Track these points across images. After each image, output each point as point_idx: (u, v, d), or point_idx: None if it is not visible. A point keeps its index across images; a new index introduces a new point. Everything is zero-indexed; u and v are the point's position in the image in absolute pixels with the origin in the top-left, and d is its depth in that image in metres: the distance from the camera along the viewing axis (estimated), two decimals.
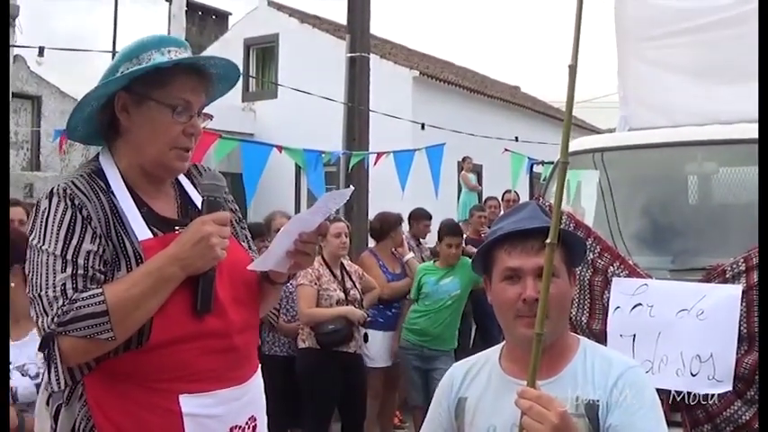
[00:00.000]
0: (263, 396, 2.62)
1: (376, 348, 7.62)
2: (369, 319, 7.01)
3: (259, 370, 2.61)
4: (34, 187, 19.01)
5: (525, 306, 2.29)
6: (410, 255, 8.33)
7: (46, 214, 2.31)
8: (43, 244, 2.27)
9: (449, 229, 7.91)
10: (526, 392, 2.06)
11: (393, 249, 8.24)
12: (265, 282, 2.63)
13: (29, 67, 19.71)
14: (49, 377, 2.27)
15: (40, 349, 2.29)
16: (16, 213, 6.09)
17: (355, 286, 7.05)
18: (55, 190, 2.33)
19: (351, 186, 2.60)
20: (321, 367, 6.66)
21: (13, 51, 14.30)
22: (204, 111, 2.54)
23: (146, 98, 2.40)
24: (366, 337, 7.09)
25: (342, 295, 6.80)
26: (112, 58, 2.70)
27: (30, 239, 2.33)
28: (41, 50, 11.07)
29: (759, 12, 4.52)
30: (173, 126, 2.41)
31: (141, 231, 2.37)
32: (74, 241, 2.27)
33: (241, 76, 2.74)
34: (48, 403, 2.41)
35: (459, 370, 2.59)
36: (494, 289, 2.41)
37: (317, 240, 2.54)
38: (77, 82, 33.32)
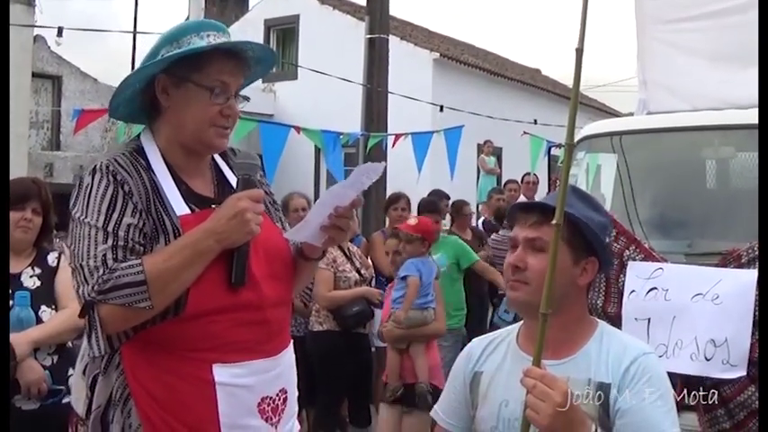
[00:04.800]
0: (294, 371, 2.70)
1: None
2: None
3: (291, 345, 2.68)
4: (54, 167, 19.12)
5: (509, 271, 2.44)
6: None
7: (89, 189, 2.41)
8: (86, 217, 2.37)
9: (436, 207, 7.96)
10: (531, 371, 2.11)
11: None
12: (300, 258, 2.71)
13: (49, 47, 19.76)
14: (90, 342, 2.38)
15: (80, 316, 2.38)
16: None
17: (362, 266, 7.08)
18: (98, 166, 2.43)
19: (383, 162, 2.61)
20: (338, 349, 6.69)
21: (33, 32, 14.33)
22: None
23: (184, 80, 2.49)
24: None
25: (357, 276, 6.83)
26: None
27: (72, 212, 2.42)
28: (60, 31, 11.07)
29: (759, 9, 4.48)
30: (210, 107, 2.50)
31: (179, 207, 2.47)
32: (115, 215, 2.36)
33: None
34: (84, 373, 2.50)
35: (479, 344, 2.66)
36: None
37: (352, 215, 2.60)
38: (97, 61, 33.47)
